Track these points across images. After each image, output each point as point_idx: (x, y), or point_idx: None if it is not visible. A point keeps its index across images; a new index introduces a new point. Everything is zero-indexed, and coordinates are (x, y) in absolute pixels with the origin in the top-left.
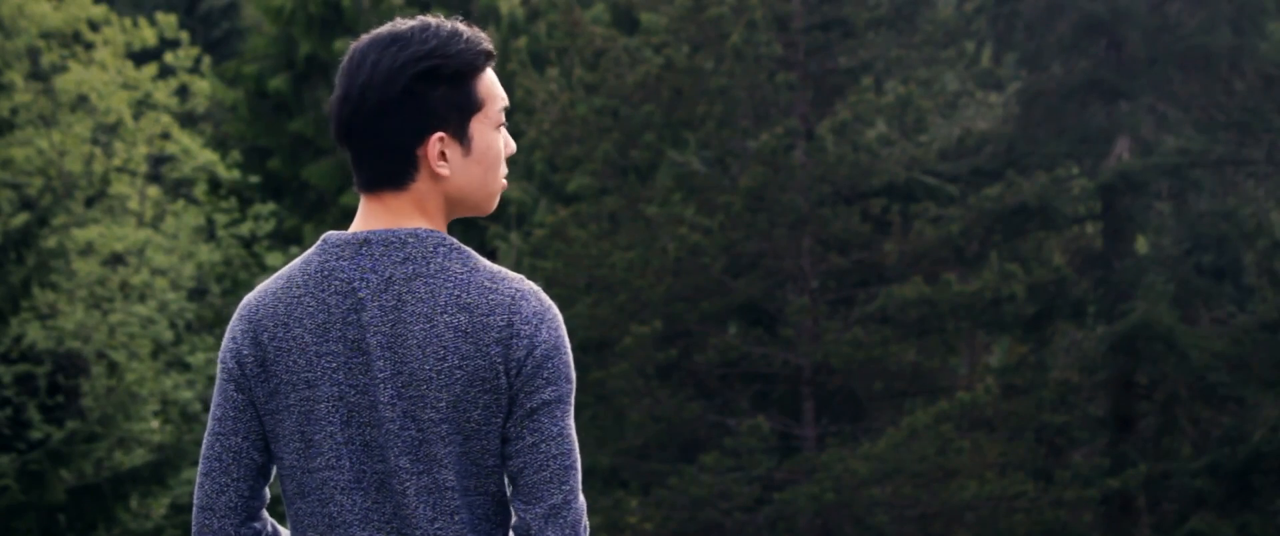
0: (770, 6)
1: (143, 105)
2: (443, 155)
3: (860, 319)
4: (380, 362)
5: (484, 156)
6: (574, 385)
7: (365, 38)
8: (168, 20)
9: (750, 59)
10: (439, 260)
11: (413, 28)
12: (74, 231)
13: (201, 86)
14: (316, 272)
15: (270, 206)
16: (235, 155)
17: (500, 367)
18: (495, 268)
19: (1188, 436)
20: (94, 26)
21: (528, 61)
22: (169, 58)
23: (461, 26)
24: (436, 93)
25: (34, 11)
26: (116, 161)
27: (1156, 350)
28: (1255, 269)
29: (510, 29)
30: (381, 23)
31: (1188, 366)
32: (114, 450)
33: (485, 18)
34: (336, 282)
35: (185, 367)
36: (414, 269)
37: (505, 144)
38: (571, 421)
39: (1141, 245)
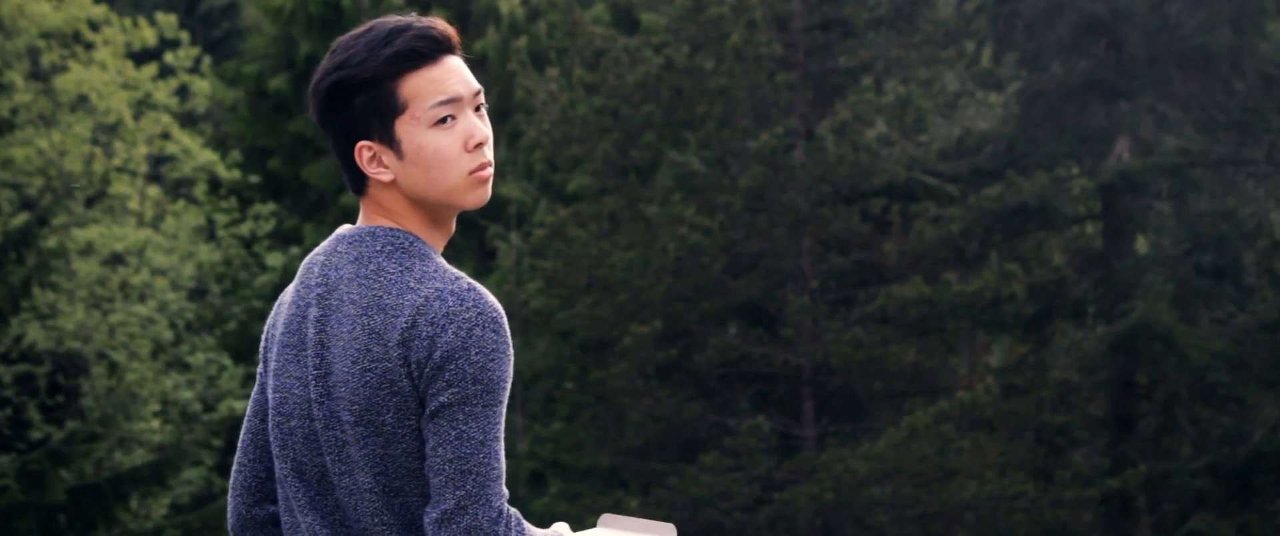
0: (770, 6)
1: (143, 105)
2: (376, 161)
3: (860, 319)
4: (313, 361)
5: (418, 157)
6: (490, 388)
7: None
8: (168, 20)
9: (750, 59)
10: (379, 261)
11: (343, 40)
12: (74, 231)
13: (201, 86)
14: (304, 267)
15: (270, 206)
16: (235, 155)
17: (402, 370)
18: (436, 269)
19: (1188, 436)
20: (94, 26)
21: (528, 61)
22: (169, 58)
23: (399, 23)
24: (355, 102)
25: (34, 11)
26: (116, 161)
27: (1156, 350)
28: (1255, 269)
29: (510, 29)
30: None
31: (1188, 366)
32: (114, 450)
33: (485, 18)
34: (310, 278)
35: (185, 367)
36: (356, 269)
37: (464, 135)
38: (481, 424)
39: (1141, 245)
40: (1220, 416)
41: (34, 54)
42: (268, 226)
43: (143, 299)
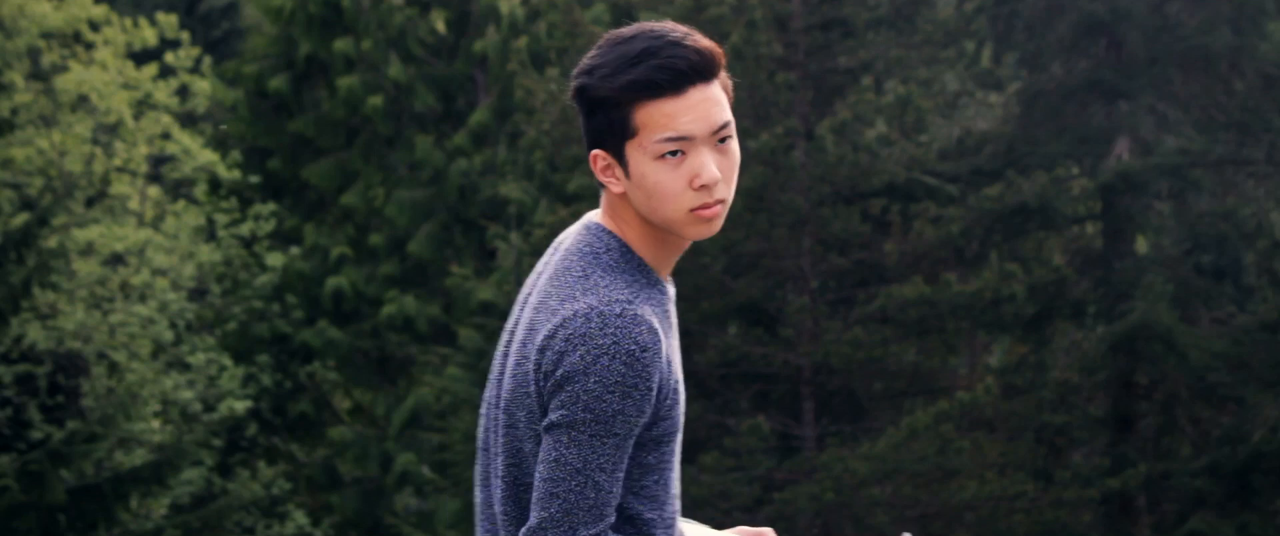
0: (770, 6)
1: (143, 105)
2: (609, 172)
3: (860, 319)
4: (508, 339)
5: (642, 184)
6: (600, 419)
7: None
8: (168, 20)
9: (750, 59)
10: (572, 259)
11: (607, 40)
12: (74, 231)
13: (202, 86)
14: (554, 243)
15: (270, 206)
16: (235, 155)
17: (535, 376)
18: (608, 285)
19: (1188, 436)
20: (94, 26)
21: (528, 61)
22: (169, 58)
23: (654, 44)
24: (596, 114)
25: (34, 11)
26: (117, 161)
27: (1156, 350)
28: (1255, 269)
29: (510, 29)
30: (381, 22)
31: (1188, 366)
32: (114, 450)
33: (485, 18)
34: (546, 255)
35: (185, 367)
36: (559, 261)
37: (690, 173)
38: (582, 453)
39: (1141, 245)
40: (1220, 416)
41: (34, 54)
42: (268, 226)
43: (143, 299)
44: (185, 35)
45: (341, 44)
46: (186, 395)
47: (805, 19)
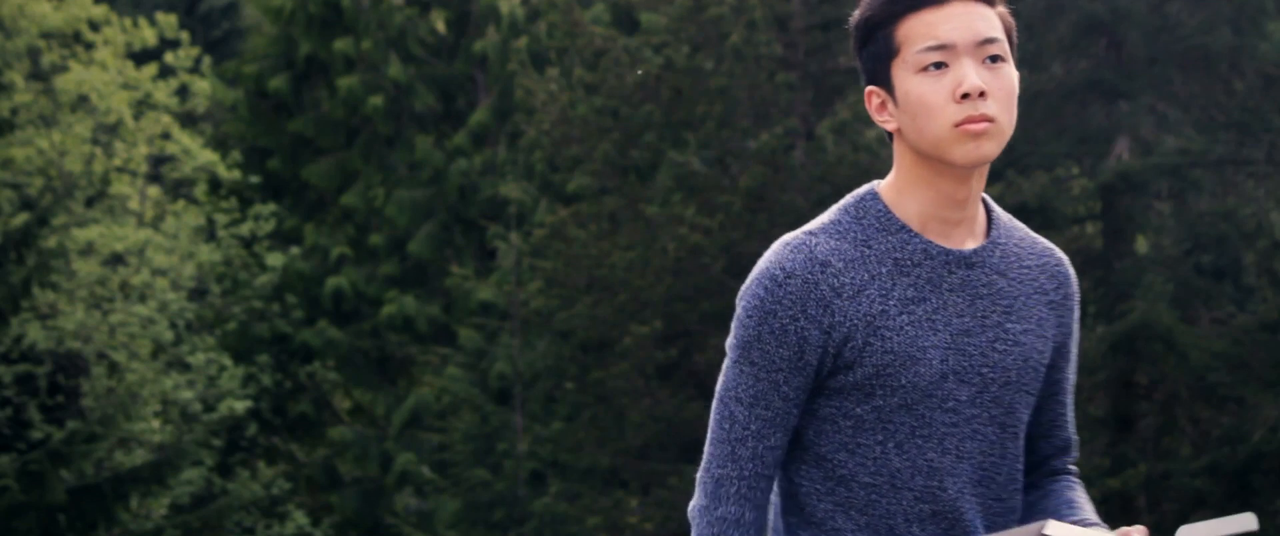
0: (770, 6)
1: (143, 105)
2: (883, 108)
3: None
4: None
5: (907, 104)
6: (736, 344)
7: None
8: (168, 20)
9: (750, 59)
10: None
11: None
12: (74, 231)
13: (201, 86)
14: None
15: (270, 206)
16: (235, 155)
17: None
18: (810, 225)
19: (1188, 436)
20: (94, 26)
21: (528, 61)
22: (169, 58)
23: None
24: (868, 48)
25: (34, 11)
26: (116, 161)
27: (1156, 350)
28: (1255, 269)
29: (510, 29)
30: (381, 22)
31: (1188, 366)
32: (114, 450)
33: (485, 18)
34: None
35: (185, 367)
36: None
37: (953, 83)
38: (724, 379)
39: (1141, 245)
40: (1220, 416)
41: (34, 54)
42: (268, 226)
43: (143, 299)
44: (185, 35)
45: (341, 44)
46: (186, 395)
47: (805, 19)
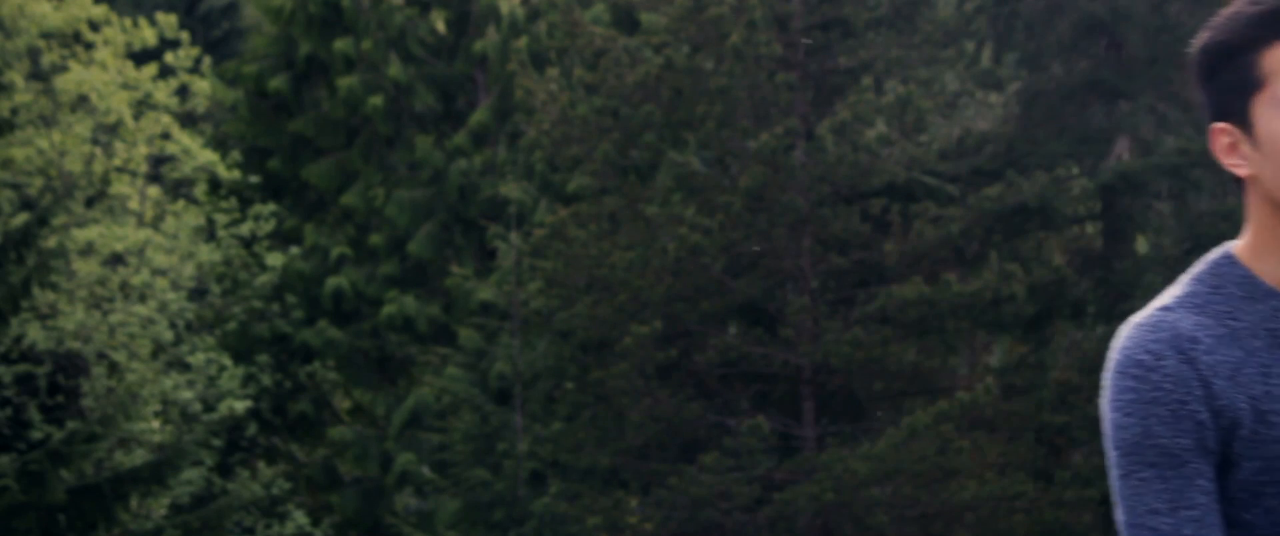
0: (770, 6)
1: (143, 105)
2: (1233, 149)
3: (860, 319)
4: None
5: (1270, 146)
6: (1115, 446)
7: None
8: (168, 20)
9: (750, 59)
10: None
11: None
12: (74, 231)
13: (201, 86)
14: None
15: (270, 206)
16: (235, 155)
17: None
18: (1168, 293)
19: None
20: (94, 26)
21: (528, 61)
22: (169, 58)
23: None
24: (1219, 77)
25: (34, 11)
26: (116, 161)
27: None
28: None
29: (510, 29)
30: (381, 22)
31: None
32: (114, 450)
33: (485, 18)
34: None
35: (185, 367)
36: None
37: None
38: (1120, 490)
39: (1141, 245)
40: None
41: (34, 54)
42: (268, 226)
43: (143, 299)
44: (185, 35)
45: (341, 44)
46: (186, 395)
47: (805, 19)
